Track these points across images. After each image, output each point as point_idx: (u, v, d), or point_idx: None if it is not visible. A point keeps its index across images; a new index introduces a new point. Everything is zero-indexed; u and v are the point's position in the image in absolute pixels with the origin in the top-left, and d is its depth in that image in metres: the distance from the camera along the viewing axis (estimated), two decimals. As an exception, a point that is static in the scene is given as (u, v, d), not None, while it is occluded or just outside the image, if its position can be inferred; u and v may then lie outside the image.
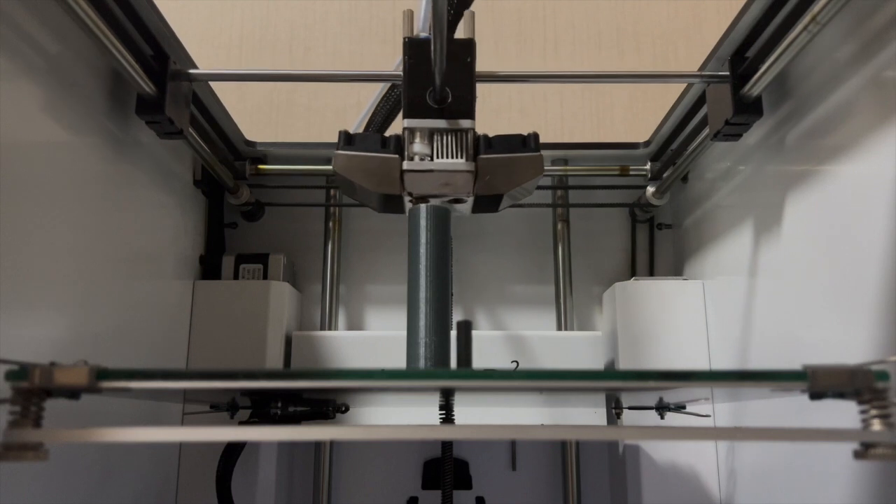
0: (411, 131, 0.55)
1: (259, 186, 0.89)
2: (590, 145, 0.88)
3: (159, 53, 0.61)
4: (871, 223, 0.48)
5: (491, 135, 0.57)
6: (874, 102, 0.49)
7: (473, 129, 0.55)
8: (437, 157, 0.54)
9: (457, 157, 0.54)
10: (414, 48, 0.57)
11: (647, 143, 0.85)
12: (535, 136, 0.57)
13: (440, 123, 0.55)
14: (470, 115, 0.55)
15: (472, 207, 0.59)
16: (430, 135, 0.55)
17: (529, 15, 1.11)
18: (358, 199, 0.60)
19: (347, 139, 0.56)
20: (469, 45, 0.57)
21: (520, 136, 0.57)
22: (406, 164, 0.54)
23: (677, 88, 0.75)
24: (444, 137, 0.55)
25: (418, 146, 0.55)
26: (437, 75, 0.52)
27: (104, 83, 0.59)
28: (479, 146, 0.55)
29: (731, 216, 0.73)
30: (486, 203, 0.59)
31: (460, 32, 0.59)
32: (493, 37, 1.10)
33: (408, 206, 0.59)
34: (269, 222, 0.93)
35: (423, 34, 0.60)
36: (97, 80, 0.58)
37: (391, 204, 0.58)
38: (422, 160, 0.54)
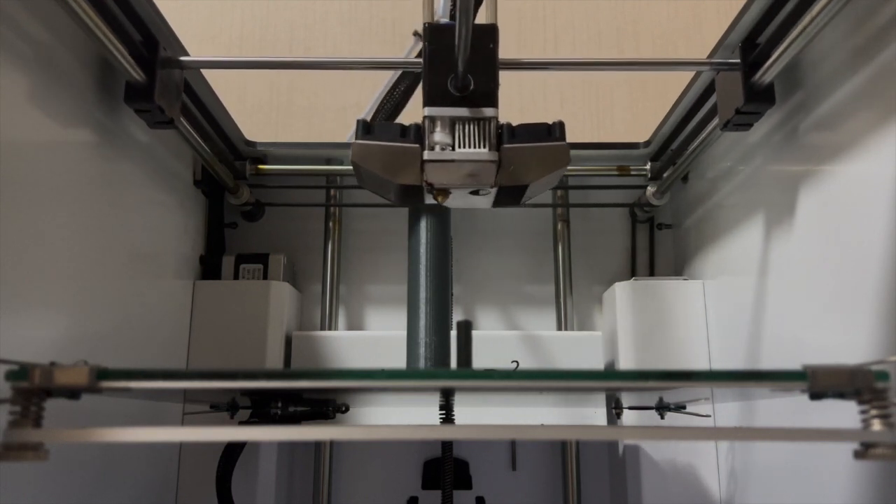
0: (432, 120, 0.53)
1: (259, 186, 0.89)
2: (590, 145, 0.88)
3: (149, 40, 0.59)
4: (873, 223, 0.48)
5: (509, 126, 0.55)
6: (883, 97, 0.48)
7: (496, 118, 0.53)
8: (459, 147, 0.52)
9: (479, 147, 0.52)
10: (435, 34, 0.55)
11: (647, 143, 0.85)
12: (561, 124, 0.55)
13: (462, 112, 0.53)
14: (493, 103, 0.53)
15: (494, 200, 0.57)
16: (452, 124, 0.53)
17: (529, 15, 1.11)
18: (375, 191, 0.58)
19: (366, 128, 0.54)
20: (492, 31, 0.55)
21: (544, 124, 0.55)
22: (427, 154, 0.52)
23: (677, 89, 0.75)
24: (467, 126, 0.53)
25: (439, 135, 0.53)
26: (460, 62, 0.50)
27: (93, 72, 0.58)
28: (503, 135, 0.53)
29: (732, 216, 0.73)
30: (510, 195, 0.57)
31: (481, 18, 0.57)
32: (493, 37, 1.10)
33: (428, 198, 0.57)
34: (269, 222, 0.93)
35: (444, 20, 0.58)
36: (85, 69, 0.57)
37: (410, 195, 0.57)
38: (443, 150, 0.52)
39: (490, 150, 0.53)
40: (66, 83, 0.54)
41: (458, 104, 0.53)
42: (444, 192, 0.55)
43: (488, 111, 0.53)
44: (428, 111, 0.53)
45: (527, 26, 1.11)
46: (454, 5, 0.57)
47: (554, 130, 0.55)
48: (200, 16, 1.09)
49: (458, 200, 0.58)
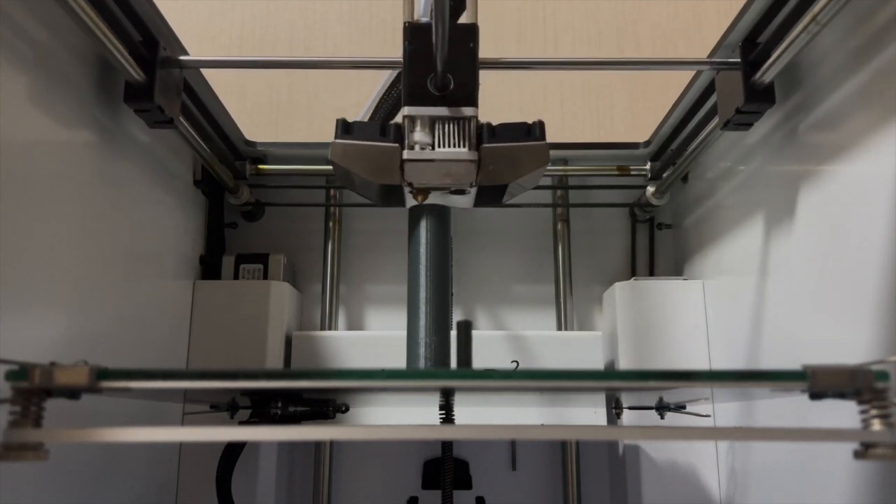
0: (412, 119, 0.53)
1: (259, 186, 0.89)
2: (590, 145, 0.88)
3: (148, 39, 0.59)
4: (872, 223, 0.48)
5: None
6: (883, 97, 0.48)
7: (476, 117, 0.53)
8: (439, 146, 0.52)
9: (459, 146, 0.52)
10: (414, 33, 0.54)
11: (647, 143, 0.85)
12: (541, 124, 0.54)
13: (442, 111, 0.53)
14: (473, 102, 0.53)
15: (474, 199, 0.57)
16: (432, 123, 0.53)
17: (529, 15, 1.11)
18: (357, 191, 0.58)
19: (345, 127, 0.53)
20: (472, 30, 0.55)
21: (524, 124, 0.54)
22: (406, 154, 0.52)
23: (677, 89, 0.75)
24: (446, 126, 0.53)
25: (419, 135, 0.52)
26: (438, 61, 0.50)
27: (92, 71, 0.57)
28: (483, 135, 0.53)
29: (732, 216, 0.73)
30: (490, 194, 0.56)
31: (464, 18, 0.57)
32: (494, 37, 1.10)
33: (408, 197, 0.56)
34: (269, 222, 0.93)
35: (425, 19, 0.57)
36: (85, 69, 0.56)
37: (391, 196, 0.56)
38: (422, 149, 0.52)
39: (470, 149, 0.52)
40: (66, 83, 0.54)
41: (438, 103, 0.53)
42: (425, 192, 0.55)
43: (468, 110, 0.53)
44: (407, 110, 0.53)
45: (527, 26, 1.11)
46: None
47: (534, 130, 0.54)
48: (200, 16, 1.09)
49: (438, 200, 0.58)
